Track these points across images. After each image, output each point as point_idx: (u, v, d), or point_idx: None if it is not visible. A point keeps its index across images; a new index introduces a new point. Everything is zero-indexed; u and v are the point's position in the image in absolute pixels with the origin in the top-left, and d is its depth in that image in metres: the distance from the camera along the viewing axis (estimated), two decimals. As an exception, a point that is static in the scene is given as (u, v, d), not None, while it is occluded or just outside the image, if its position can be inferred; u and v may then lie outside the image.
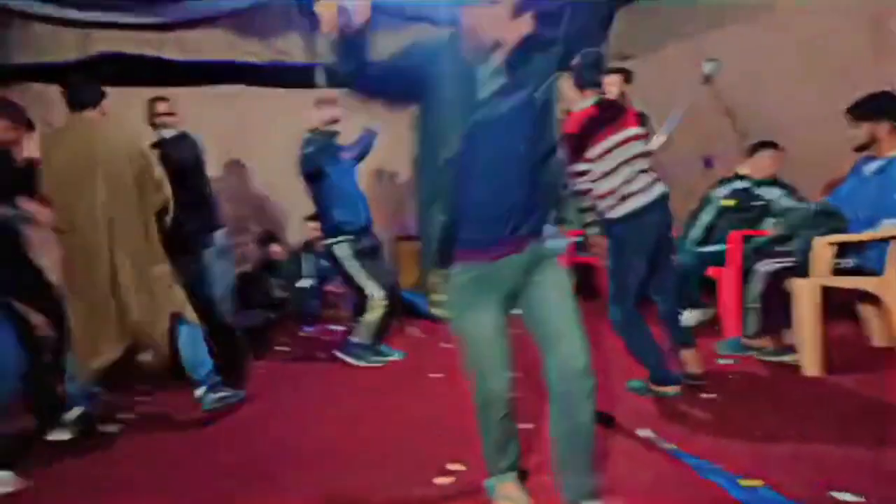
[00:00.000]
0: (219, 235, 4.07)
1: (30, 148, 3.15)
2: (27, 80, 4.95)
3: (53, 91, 5.02)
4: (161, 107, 3.88)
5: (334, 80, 5.91)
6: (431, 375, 3.66)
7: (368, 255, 4.18)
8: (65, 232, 2.98)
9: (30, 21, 4.89)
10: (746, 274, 3.61)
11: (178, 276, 3.27)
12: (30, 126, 3.13)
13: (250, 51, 5.57)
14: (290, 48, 5.70)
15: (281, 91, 5.63)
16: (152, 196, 3.10)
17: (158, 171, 3.16)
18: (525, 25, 1.75)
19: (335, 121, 4.15)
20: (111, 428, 3.20)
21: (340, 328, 4.90)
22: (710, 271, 3.91)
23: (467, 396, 3.21)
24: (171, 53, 5.24)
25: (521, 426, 2.72)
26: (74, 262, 3.03)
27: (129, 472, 2.70)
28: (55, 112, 5.03)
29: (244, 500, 2.32)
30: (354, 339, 4.09)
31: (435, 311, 5.02)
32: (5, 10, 4.73)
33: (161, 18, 5.07)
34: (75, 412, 3.06)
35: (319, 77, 5.85)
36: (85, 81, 3.15)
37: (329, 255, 4.22)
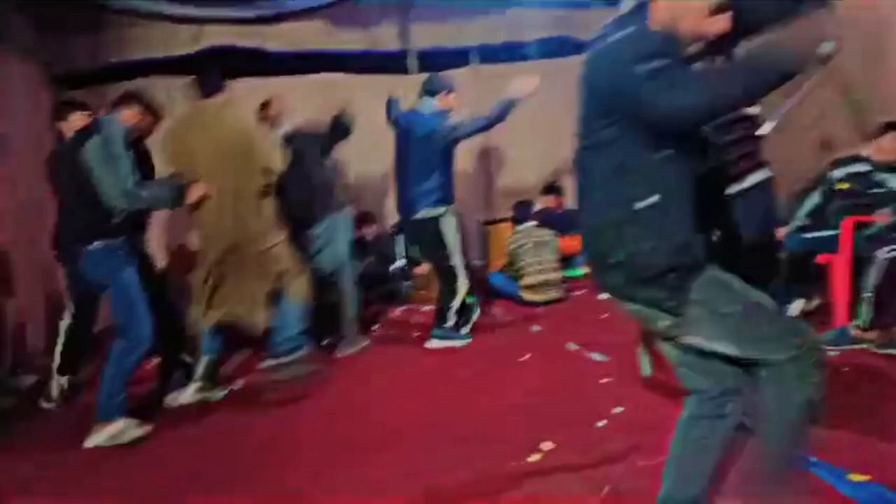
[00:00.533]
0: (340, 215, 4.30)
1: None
2: (149, 74, 5.37)
3: (174, 83, 5.47)
4: (271, 108, 4.21)
5: (424, 67, 6.01)
6: (521, 357, 3.70)
7: None
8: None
9: (148, 19, 5.27)
10: (858, 262, 3.40)
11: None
12: (158, 114, 3.39)
13: (346, 40, 5.76)
14: (384, 36, 5.86)
15: (375, 78, 5.78)
16: (259, 174, 3.29)
17: (267, 153, 3.35)
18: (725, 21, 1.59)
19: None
20: (220, 394, 3.48)
21: (428, 308, 5.00)
22: (821, 258, 3.71)
23: (556, 378, 3.27)
24: (273, 45, 5.51)
25: (616, 410, 2.75)
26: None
27: (221, 442, 2.93)
28: (178, 102, 5.46)
29: (340, 475, 2.47)
30: (448, 324, 4.17)
31: (525, 295, 5.04)
32: (127, 11, 5.12)
33: (265, 12, 5.33)
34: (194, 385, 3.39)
35: (411, 63, 5.98)
36: (209, 73, 3.41)
37: (432, 225, 4.15)
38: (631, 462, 2.26)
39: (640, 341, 2.96)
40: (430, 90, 4.24)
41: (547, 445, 2.45)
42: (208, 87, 3.34)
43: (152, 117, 3.33)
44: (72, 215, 3.23)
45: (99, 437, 2.94)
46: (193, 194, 3.25)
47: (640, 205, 1.56)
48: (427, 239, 4.20)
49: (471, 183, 6.01)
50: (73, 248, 3.14)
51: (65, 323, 3.65)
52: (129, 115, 3.21)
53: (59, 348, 3.62)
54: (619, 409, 2.74)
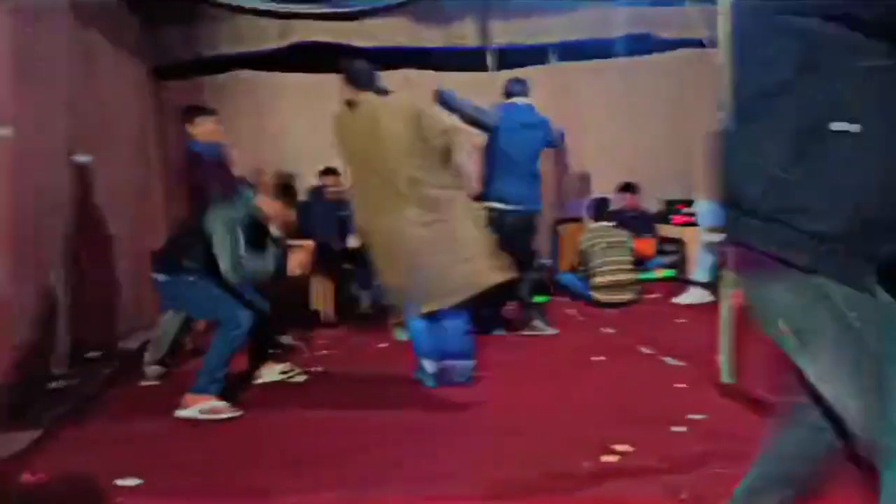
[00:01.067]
0: None
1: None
2: (235, 68, 5.64)
3: (258, 77, 5.72)
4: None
5: (504, 65, 6.01)
6: (593, 358, 3.69)
7: None
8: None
9: (237, 14, 5.50)
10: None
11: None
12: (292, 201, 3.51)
13: (427, 37, 5.85)
14: (466, 33, 5.92)
15: (454, 74, 5.85)
16: (435, 141, 3.27)
17: (438, 121, 3.38)
18: None
19: None
20: (300, 378, 3.61)
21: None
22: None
23: (629, 380, 3.24)
24: (357, 41, 5.67)
25: (693, 416, 2.70)
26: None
27: (301, 426, 3.05)
28: (260, 96, 5.71)
29: (409, 461, 2.52)
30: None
31: (596, 295, 5.00)
32: (217, 4, 5.35)
33: (351, 8, 5.45)
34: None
35: (491, 60, 6.01)
36: (361, 67, 3.48)
37: (535, 220, 4.25)
38: (709, 469, 2.22)
39: (722, 348, 2.91)
40: (511, 93, 4.24)
41: (621, 447, 2.44)
42: (362, 82, 3.38)
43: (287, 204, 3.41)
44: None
45: (190, 411, 3.09)
46: (294, 263, 3.44)
47: (836, 127, 1.10)
48: (526, 232, 4.23)
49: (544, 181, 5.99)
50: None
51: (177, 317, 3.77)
52: (265, 202, 3.31)
53: (167, 338, 3.75)
54: (695, 416, 2.70)
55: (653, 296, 5.16)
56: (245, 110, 5.61)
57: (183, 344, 3.90)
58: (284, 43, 5.59)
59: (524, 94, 4.25)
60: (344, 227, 5.60)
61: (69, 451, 2.71)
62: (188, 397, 3.12)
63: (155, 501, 2.27)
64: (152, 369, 3.73)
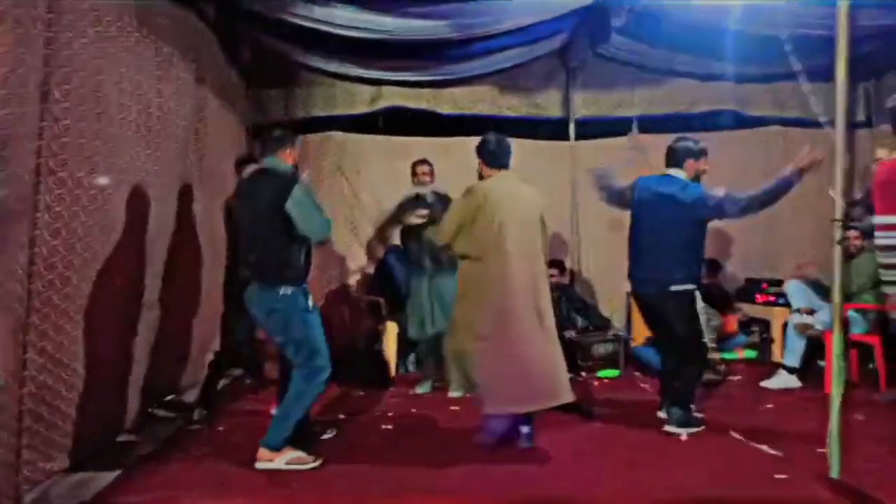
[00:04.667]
0: None
1: None
2: (327, 129, 5.92)
3: (348, 139, 5.97)
4: (421, 168, 4.74)
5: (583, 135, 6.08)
6: (678, 440, 3.51)
7: None
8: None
9: (331, 79, 5.80)
10: None
11: None
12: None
13: (510, 105, 6.01)
14: (549, 103, 6.06)
15: (540, 143, 6.00)
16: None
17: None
18: None
19: None
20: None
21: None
22: None
23: (723, 468, 3.04)
24: (443, 108, 5.89)
25: None
26: None
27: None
28: (349, 157, 5.94)
29: None
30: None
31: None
32: (317, 69, 5.66)
33: (438, 77, 5.69)
34: None
35: (572, 131, 6.09)
36: (501, 145, 3.60)
37: (687, 300, 3.74)
38: None
39: (831, 439, 2.73)
40: (677, 161, 3.82)
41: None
42: (499, 161, 3.55)
43: None
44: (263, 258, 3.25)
45: (275, 463, 3.10)
46: None
47: None
48: (677, 313, 3.71)
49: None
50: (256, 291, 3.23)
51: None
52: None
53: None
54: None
55: (735, 378, 4.92)
56: (332, 169, 5.88)
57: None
58: (374, 108, 5.85)
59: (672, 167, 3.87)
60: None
61: (146, 492, 2.76)
62: (265, 450, 3.12)
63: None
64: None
